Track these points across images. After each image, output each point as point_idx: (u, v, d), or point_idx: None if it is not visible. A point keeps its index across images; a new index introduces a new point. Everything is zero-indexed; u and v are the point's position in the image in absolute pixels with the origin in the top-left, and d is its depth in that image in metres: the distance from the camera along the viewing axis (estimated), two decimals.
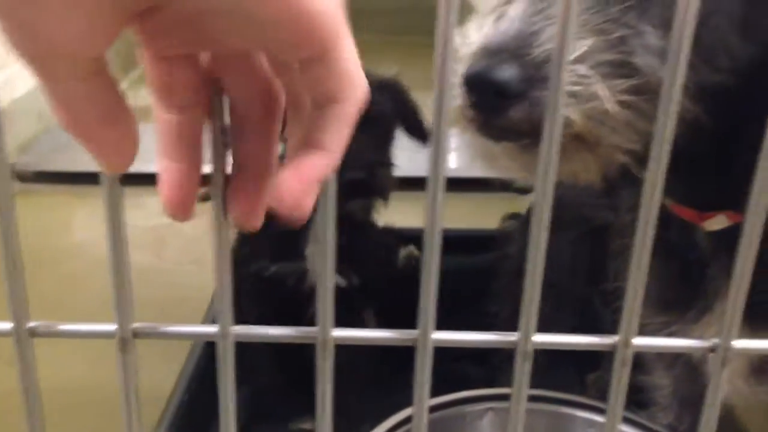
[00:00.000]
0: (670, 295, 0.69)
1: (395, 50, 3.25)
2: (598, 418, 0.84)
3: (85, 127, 0.27)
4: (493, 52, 0.54)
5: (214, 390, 0.40)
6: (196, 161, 0.33)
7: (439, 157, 0.34)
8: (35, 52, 0.24)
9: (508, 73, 0.53)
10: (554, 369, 1.01)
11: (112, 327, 0.39)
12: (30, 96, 1.97)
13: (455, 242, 1.08)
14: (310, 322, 0.38)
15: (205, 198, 0.38)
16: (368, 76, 0.32)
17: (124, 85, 2.63)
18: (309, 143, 0.31)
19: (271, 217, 0.33)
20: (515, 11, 0.54)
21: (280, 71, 0.32)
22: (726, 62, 0.56)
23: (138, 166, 0.34)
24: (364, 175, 0.97)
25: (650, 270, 0.36)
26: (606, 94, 0.53)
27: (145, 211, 1.86)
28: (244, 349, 0.44)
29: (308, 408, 0.43)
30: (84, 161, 0.37)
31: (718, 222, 0.65)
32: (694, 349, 0.40)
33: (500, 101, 0.53)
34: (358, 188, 0.97)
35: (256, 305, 1.07)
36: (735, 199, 0.54)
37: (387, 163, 1.07)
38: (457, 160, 2.06)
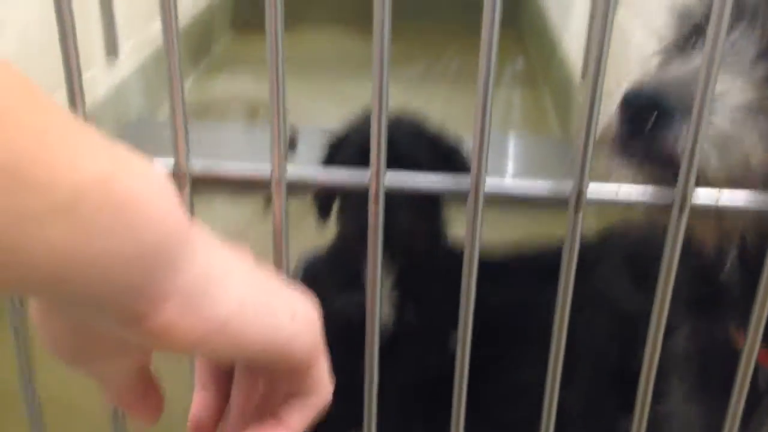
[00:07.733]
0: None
1: (455, 41, 3.10)
2: None
3: (120, 400, 0.35)
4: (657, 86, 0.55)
5: None
6: (225, 391, 0.38)
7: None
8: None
9: (671, 101, 0.54)
10: None
11: (169, 161, 0.40)
12: (108, 98, 2.02)
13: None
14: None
15: (269, 200, 0.39)
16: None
17: (192, 77, 2.48)
18: (272, 415, 0.36)
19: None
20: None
21: None
22: None
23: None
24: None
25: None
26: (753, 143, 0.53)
27: (211, 215, 1.85)
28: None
29: None
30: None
31: None
32: None
33: (656, 123, 0.54)
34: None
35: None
36: None
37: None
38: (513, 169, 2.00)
